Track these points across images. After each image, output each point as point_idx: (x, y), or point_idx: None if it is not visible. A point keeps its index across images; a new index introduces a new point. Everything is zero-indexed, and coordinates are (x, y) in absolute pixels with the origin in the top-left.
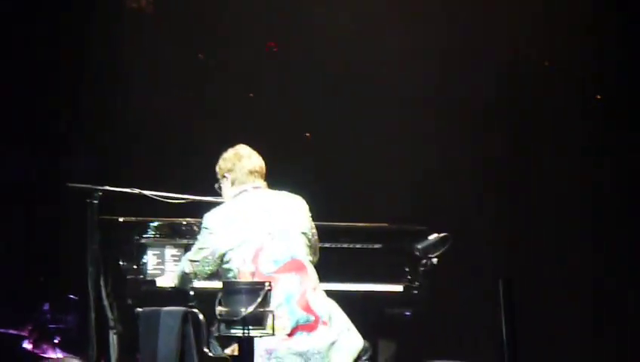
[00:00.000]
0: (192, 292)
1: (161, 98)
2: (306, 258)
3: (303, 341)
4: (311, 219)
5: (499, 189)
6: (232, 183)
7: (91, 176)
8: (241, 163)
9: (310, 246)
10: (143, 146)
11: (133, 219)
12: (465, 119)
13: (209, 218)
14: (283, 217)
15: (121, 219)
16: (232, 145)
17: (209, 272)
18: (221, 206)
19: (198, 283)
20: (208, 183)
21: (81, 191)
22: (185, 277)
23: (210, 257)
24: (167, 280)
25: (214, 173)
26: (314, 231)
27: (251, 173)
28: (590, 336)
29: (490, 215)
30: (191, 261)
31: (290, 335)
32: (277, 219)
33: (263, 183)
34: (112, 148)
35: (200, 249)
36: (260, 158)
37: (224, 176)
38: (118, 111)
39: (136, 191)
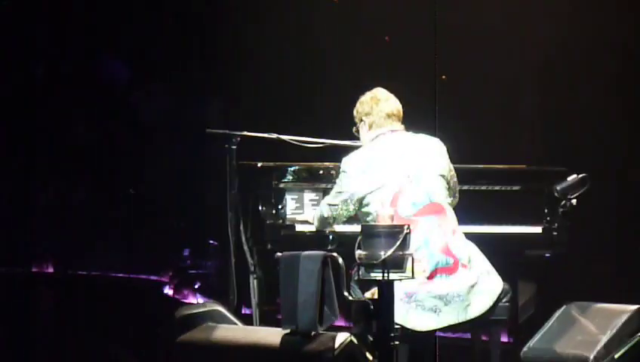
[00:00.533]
0: (331, 236)
1: (297, 41)
2: (444, 200)
3: (443, 284)
4: (449, 161)
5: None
6: (370, 127)
7: (230, 121)
8: (378, 106)
9: (449, 189)
10: (281, 91)
11: (271, 163)
12: (610, 60)
13: (347, 161)
14: (421, 160)
15: (259, 164)
16: (369, 88)
17: (347, 216)
18: (359, 149)
19: (337, 227)
20: (346, 127)
21: (219, 137)
22: (324, 221)
23: (348, 201)
24: (307, 217)
25: (352, 116)
26: (452, 173)
27: (389, 116)
28: None
29: (631, 155)
30: (329, 205)
31: (429, 278)
32: (415, 162)
33: (400, 126)
34: (250, 93)
35: (338, 193)
36: (398, 101)
37: (362, 120)
38: (256, 56)
39: (274, 135)
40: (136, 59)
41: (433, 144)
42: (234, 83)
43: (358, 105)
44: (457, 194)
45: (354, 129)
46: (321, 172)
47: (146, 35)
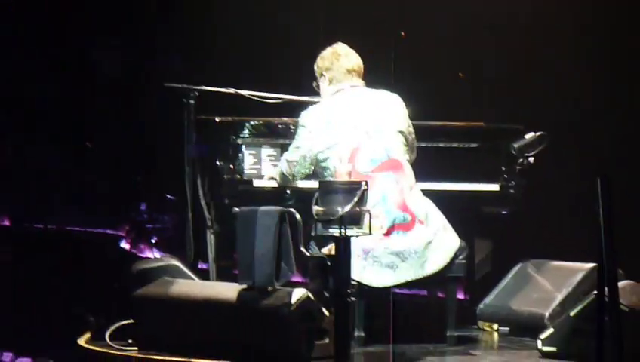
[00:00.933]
0: (289, 192)
1: None
2: (402, 157)
3: (400, 240)
4: (408, 117)
5: (597, 83)
6: (330, 82)
7: (188, 75)
8: (338, 62)
9: (407, 146)
10: (240, 45)
11: (229, 118)
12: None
13: (305, 116)
14: (380, 116)
15: (217, 119)
16: (328, 44)
17: (306, 172)
18: (318, 104)
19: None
20: (304, 82)
21: (177, 91)
22: (284, 178)
23: (307, 156)
24: (273, 174)
25: (311, 72)
26: (411, 129)
27: (349, 71)
28: None
29: (589, 111)
30: (288, 161)
31: (386, 234)
32: (374, 118)
33: (360, 82)
34: (208, 48)
35: (296, 148)
36: (358, 57)
37: (322, 75)
38: (216, 11)
39: (233, 90)
40: (94, 12)
41: (392, 100)
42: (193, 37)
43: (318, 59)
44: (415, 151)
45: (314, 84)
46: (279, 127)
47: None
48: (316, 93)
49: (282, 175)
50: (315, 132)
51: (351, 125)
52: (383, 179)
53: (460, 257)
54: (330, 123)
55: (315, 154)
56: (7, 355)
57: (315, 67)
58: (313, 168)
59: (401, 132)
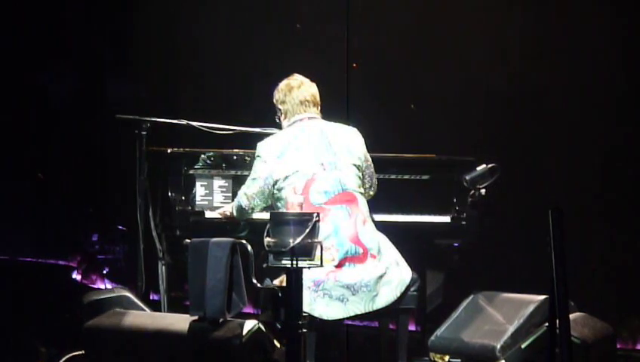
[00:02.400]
0: (241, 223)
1: (209, 28)
2: (357, 190)
3: (351, 273)
4: (365, 151)
5: (547, 117)
6: (285, 115)
7: (140, 107)
8: (291, 94)
9: (363, 179)
10: (192, 77)
11: (181, 150)
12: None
13: (262, 147)
14: (336, 148)
15: (169, 150)
16: (279, 76)
17: (264, 204)
18: (274, 135)
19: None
20: (255, 114)
21: (129, 123)
22: (242, 211)
23: (264, 188)
24: (226, 210)
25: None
26: (369, 163)
27: (302, 103)
28: None
29: (541, 143)
30: (246, 194)
31: (338, 266)
32: (330, 150)
33: (317, 112)
34: (160, 80)
35: (253, 179)
36: (313, 86)
37: (278, 108)
38: (168, 42)
39: (184, 122)
40: (45, 40)
41: (349, 133)
42: (145, 69)
43: (274, 93)
44: (375, 187)
45: (276, 117)
46: (231, 159)
47: (55, 16)
48: (270, 125)
49: (240, 209)
50: (271, 162)
51: (306, 156)
52: (336, 212)
53: (412, 289)
54: (286, 153)
55: (272, 185)
56: None
57: (274, 100)
58: (270, 199)
59: (357, 166)
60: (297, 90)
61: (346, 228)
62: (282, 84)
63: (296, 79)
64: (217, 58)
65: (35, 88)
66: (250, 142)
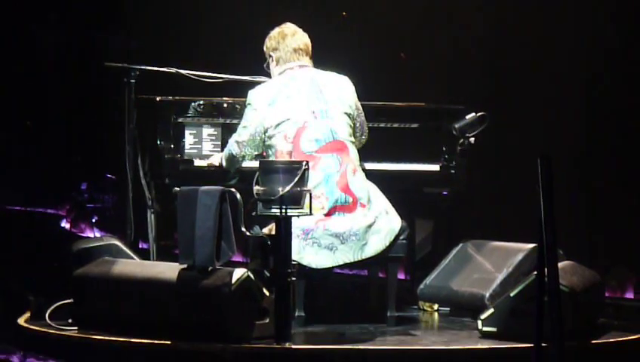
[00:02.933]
0: (231, 171)
1: None
2: (348, 139)
3: (340, 222)
4: (357, 100)
5: (536, 66)
6: (277, 62)
7: (129, 55)
8: (285, 41)
9: (354, 128)
10: (182, 25)
11: (170, 98)
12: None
13: (253, 95)
14: (327, 97)
15: (158, 99)
16: (270, 24)
17: (256, 151)
18: (266, 83)
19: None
20: (245, 62)
21: (118, 71)
22: (233, 159)
23: (255, 135)
24: (215, 160)
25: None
26: (360, 112)
27: (295, 51)
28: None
29: (530, 91)
30: (238, 142)
31: (327, 215)
32: (321, 99)
33: (308, 61)
34: (150, 27)
35: (244, 127)
36: (306, 36)
37: (270, 55)
38: None
39: (174, 70)
40: None
41: (341, 82)
42: (134, 16)
43: (266, 40)
44: (366, 135)
45: (265, 65)
46: (220, 107)
47: None
48: (259, 73)
49: (231, 157)
50: (263, 110)
51: (297, 104)
52: (326, 160)
53: (401, 238)
54: (277, 101)
55: (263, 133)
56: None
57: (264, 48)
58: (262, 146)
59: (348, 114)
60: (291, 38)
61: (337, 176)
62: (275, 32)
63: (290, 27)
64: (207, 6)
65: (23, 38)
66: (239, 90)
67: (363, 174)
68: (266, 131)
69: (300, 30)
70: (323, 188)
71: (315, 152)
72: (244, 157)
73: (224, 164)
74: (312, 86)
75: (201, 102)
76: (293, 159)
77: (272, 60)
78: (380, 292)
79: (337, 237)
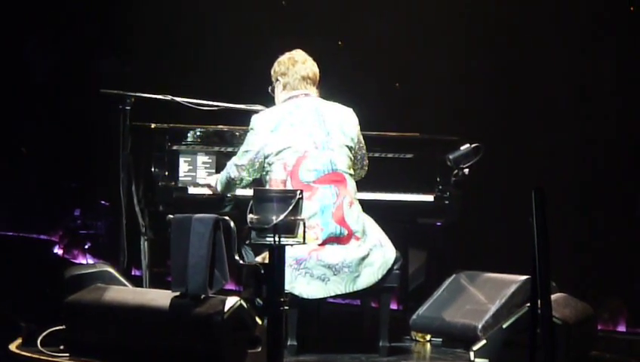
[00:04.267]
0: (225, 200)
1: (197, 3)
2: (346, 171)
3: (333, 253)
4: (359, 133)
5: (531, 95)
6: (284, 87)
7: (124, 82)
8: (294, 68)
9: (354, 161)
10: (177, 52)
11: (165, 125)
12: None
13: (257, 120)
14: (330, 128)
15: (153, 126)
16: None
17: (254, 176)
18: (270, 109)
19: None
20: (242, 90)
21: (113, 97)
22: (230, 182)
23: (255, 160)
24: (211, 181)
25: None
26: (361, 144)
27: (304, 78)
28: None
29: (525, 124)
30: (237, 165)
31: (321, 245)
32: (323, 129)
33: (314, 91)
34: (145, 54)
35: (245, 151)
36: (315, 65)
37: (277, 80)
38: (153, 16)
39: (169, 97)
40: (27, 14)
41: (344, 113)
42: (129, 43)
43: (275, 64)
44: (366, 168)
45: (269, 88)
46: (215, 135)
47: None
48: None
49: (229, 180)
50: (265, 135)
51: (300, 133)
52: (323, 191)
53: (395, 268)
54: (280, 128)
55: (263, 159)
56: None
57: (272, 71)
58: (260, 172)
59: (349, 147)
60: (301, 65)
61: (333, 208)
62: (285, 57)
63: (301, 55)
64: (203, 34)
65: (17, 63)
66: (234, 118)
67: (359, 207)
68: (266, 157)
69: (310, 58)
70: (318, 218)
71: (313, 183)
72: (241, 180)
73: (219, 187)
74: (316, 116)
75: (196, 130)
76: (288, 188)
77: (279, 85)
78: (373, 322)
79: (330, 268)
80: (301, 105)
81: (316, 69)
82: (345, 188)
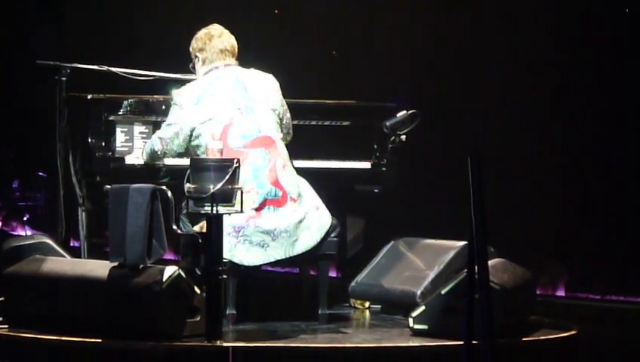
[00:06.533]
0: (162, 170)
1: None
2: (275, 134)
3: (271, 219)
4: (282, 97)
5: (467, 64)
6: (204, 62)
7: (60, 52)
8: (211, 42)
9: (280, 124)
10: (113, 22)
11: (101, 96)
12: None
13: (178, 94)
14: (253, 93)
15: (89, 96)
16: (201, 21)
17: (178, 150)
18: (190, 83)
19: (168, 161)
20: (176, 60)
21: (49, 68)
22: (154, 155)
23: (179, 133)
24: (136, 157)
25: (184, 49)
26: (285, 108)
27: (222, 51)
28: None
29: (460, 89)
30: (160, 138)
31: (258, 210)
32: (246, 95)
33: (234, 61)
34: (80, 24)
35: (169, 125)
36: (232, 37)
37: (196, 56)
38: None
39: (105, 68)
40: None
41: (266, 79)
42: (65, 12)
43: (192, 41)
44: (291, 132)
45: (190, 65)
46: (151, 105)
47: None
48: (192, 72)
49: (152, 152)
50: (188, 108)
51: (223, 102)
52: (254, 155)
53: (332, 235)
54: (203, 99)
55: (189, 131)
56: None
57: (190, 48)
58: (185, 146)
59: (274, 110)
60: (218, 39)
61: (266, 170)
62: (202, 33)
63: (217, 28)
64: (138, 4)
65: None
66: (170, 88)
67: (293, 169)
68: (192, 130)
69: (226, 31)
70: (252, 182)
71: (243, 147)
72: (165, 153)
73: (144, 158)
74: (237, 83)
75: (133, 100)
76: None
77: (199, 61)
78: (312, 290)
79: (268, 233)
80: (221, 75)
81: (234, 41)
82: (276, 150)
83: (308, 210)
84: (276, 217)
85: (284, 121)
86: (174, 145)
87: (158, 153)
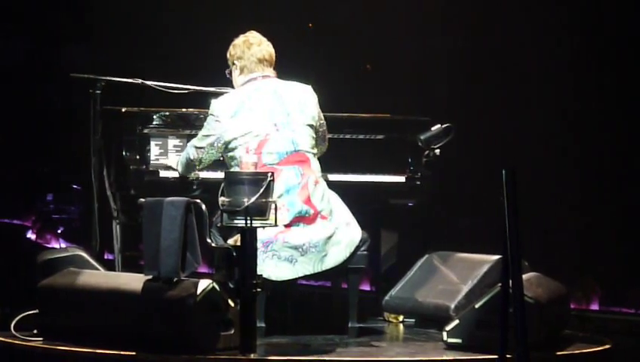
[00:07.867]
0: (195, 183)
1: None
2: (310, 151)
3: (300, 234)
4: (319, 110)
5: (502, 77)
6: (242, 71)
7: (95, 66)
8: (250, 50)
9: (316, 139)
10: (147, 36)
11: (136, 109)
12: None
13: (216, 105)
14: (290, 108)
15: (123, 110)
16: (235, 35)
17: (213, 159)
18: (229, 93)
19: (201, 173)
20: (211, 73)
21: (84, 82)
22: (189, 164)
23: (215, 143)
24: (171, 163)
25: (219, 62)
26: (322, 122)
27: (260, 61)
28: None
29: (496, 103)
30: (196, 147)
31: (287, 226)
32: (283, 110)
33: (272, 72)
34: (115, 39)
35: (205, 136)
36: (270, 46)
37: (234, 64)
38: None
39: (139, 81)
40: None
41: (304, 92)
42: (99, 27)
43: (230, 48)
44: (327, 142)
45: (227, 71)
46: (185, 118)
47: None
48: (225, 84)
49: (188, 161)
50: (225, 120)
51: (260, 116)
52: (287, 173)
53: (362, 248)
54: (240, 112)
55: (224, 143)
56: None
57: (228, 55)
58: (219, 156)
59: (311, 125)
60: (257, 47)
61: (298, 188)
62: (240, 40)
63: (255, 37)
64: (173, 18)
65: None
66: (204, 101)
67: (324, 185)
68: (228, 143)
69: (265, 40)
70: (284, 199)
71: (277, 164)
72: (200, 162)
73: (179, 168)
74: (274, 97)
75: (167, 114)
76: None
77: (236, 68)
78: (343, 304)
79: (297, 249)
80: (260, 88)
81: (272, 50)
82: (309, 167)
83: (338, 226)
84: (305, 232)
85: (319, 134)
86: (209, 155)
87: (194, 162)
